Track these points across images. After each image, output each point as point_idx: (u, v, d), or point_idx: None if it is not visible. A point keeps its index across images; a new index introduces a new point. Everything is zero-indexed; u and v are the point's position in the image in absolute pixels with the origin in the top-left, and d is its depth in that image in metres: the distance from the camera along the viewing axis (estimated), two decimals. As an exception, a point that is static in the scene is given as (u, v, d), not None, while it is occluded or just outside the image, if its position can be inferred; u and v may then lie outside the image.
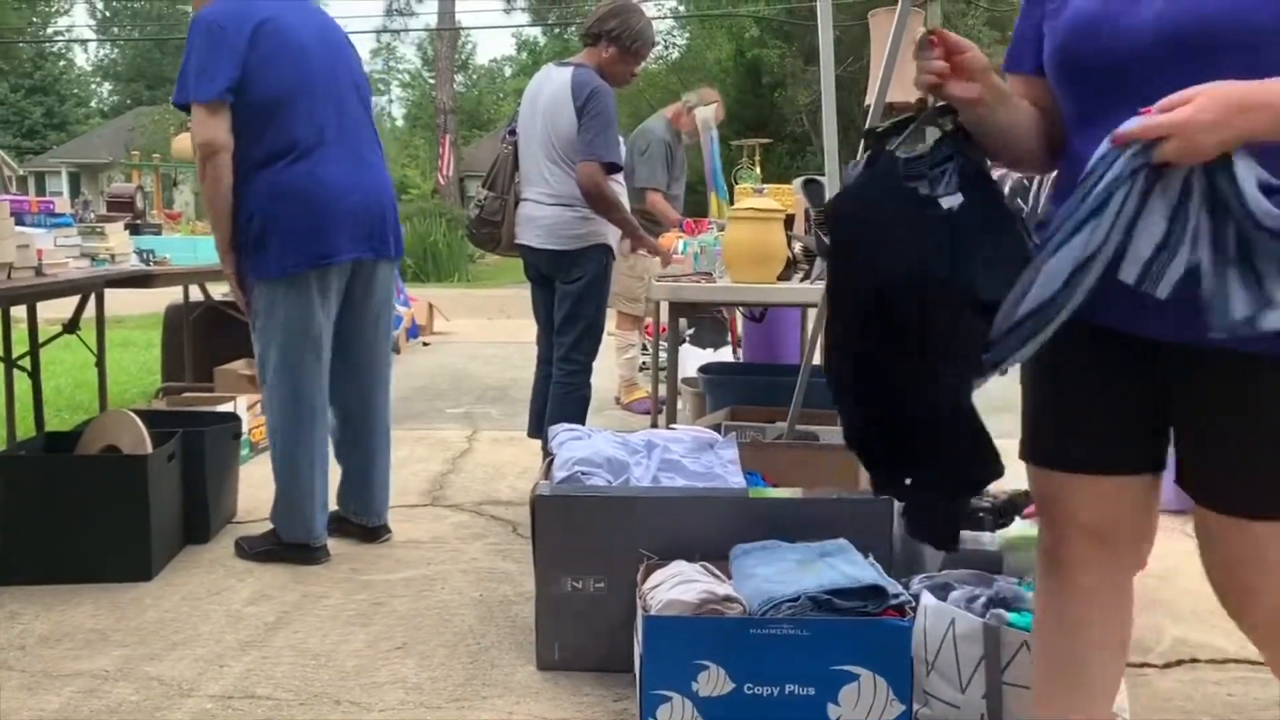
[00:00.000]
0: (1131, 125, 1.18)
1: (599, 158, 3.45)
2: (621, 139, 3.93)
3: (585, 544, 2.36)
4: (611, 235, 3.65)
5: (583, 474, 2.48)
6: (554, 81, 3.58)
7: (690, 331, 6.34)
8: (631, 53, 3.62)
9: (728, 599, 2.06)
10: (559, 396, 3.60)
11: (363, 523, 3.29)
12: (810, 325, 3.46)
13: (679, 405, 4.19)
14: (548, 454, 2.70)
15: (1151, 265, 1.17)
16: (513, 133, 3.78)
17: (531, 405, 3.85)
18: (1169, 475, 1.48)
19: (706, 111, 5.68)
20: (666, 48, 27.76)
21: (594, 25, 3.63)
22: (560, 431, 2.79)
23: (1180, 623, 2.72)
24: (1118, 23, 1.31)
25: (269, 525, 3.14)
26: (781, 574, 2.10)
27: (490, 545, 3.32)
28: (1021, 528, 2.47)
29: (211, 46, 2.84)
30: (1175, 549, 3.32)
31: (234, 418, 3.72)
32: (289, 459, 3.05)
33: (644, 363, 6.30)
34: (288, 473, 3.05)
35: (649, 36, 3.70)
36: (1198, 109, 1.14)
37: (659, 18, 26.71)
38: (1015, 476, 1.64)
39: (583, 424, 3.30)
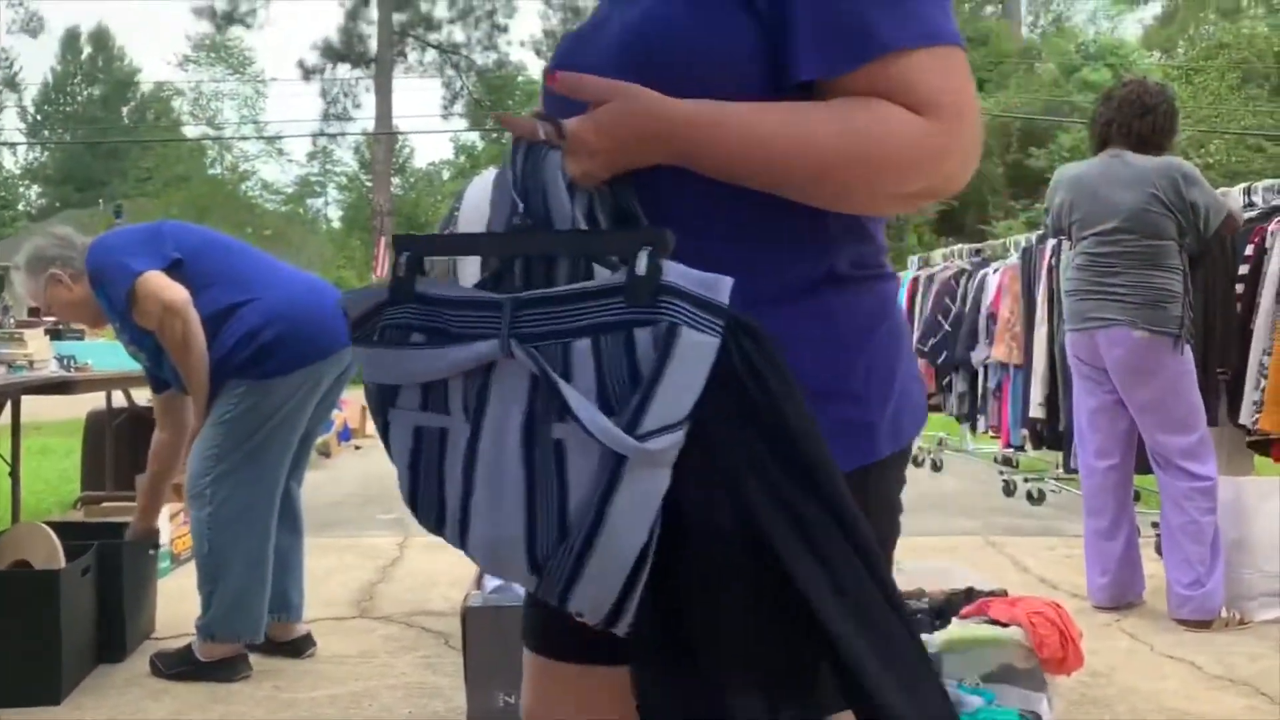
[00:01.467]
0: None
1: None
2: None
3: (518, 656, 2.28)
4: None
5: (516, 583, 2.42)
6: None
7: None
8: None
9: (666, 711, 2.01)
10: None
11: (280, 627, 3.15)
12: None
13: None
14: (481, 562, 2.64)
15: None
16: (447, 236, 3.81)
17: (465, 511, 3.78)
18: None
19: None
20: (601, 152, 28.44)
21: None
22: (493, 538, 2.73)
23: (1120, 722, 2.71)
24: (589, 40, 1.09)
25: (187, 642, 3.00)
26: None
27: (421, 659, 3.22)
28: (961, 628, 2.46)
29: (130, 244, 2.95)
30: (1113, 647, 3.34)
31: (153, 529, 3.58)
32: (252, 550, 2.94)
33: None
34: (246, 566, 2.93)
35: None
36: (596, 130, 0.95)
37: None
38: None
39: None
